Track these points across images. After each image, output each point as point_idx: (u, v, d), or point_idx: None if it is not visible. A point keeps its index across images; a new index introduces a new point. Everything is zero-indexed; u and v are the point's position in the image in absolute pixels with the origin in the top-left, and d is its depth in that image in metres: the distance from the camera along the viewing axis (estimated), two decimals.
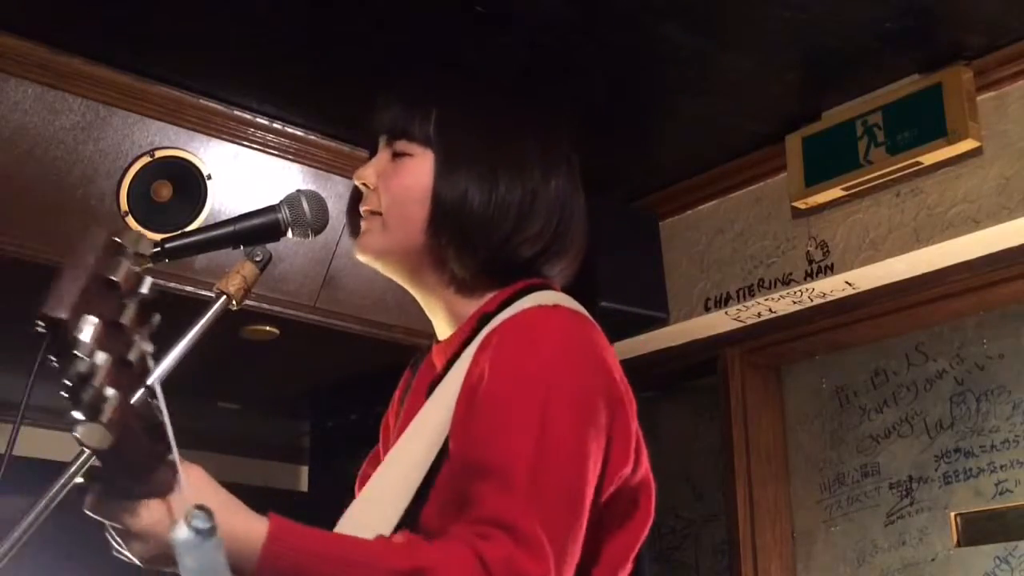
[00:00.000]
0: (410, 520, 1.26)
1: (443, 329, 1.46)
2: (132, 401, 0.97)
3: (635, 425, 1.32)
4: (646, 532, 1.35)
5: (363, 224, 1.45)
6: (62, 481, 1.23)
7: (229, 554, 1.00)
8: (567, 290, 1.44)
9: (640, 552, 1.37)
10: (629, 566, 1.34)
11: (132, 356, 0.96)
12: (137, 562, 1.11)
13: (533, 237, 1.40)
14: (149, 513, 1.05)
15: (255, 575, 1.07)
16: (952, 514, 3.31)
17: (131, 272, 0.97)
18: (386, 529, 1.24)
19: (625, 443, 1.29)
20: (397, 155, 1.43)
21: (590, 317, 1.35)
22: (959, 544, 3.28)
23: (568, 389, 1.24)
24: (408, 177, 1.41)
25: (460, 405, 1.28)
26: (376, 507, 1.29)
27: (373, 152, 1.48)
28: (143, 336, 0.98)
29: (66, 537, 1.25)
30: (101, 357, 0.91)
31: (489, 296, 1.41)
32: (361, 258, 1.46)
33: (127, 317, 0.96)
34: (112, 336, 0.94)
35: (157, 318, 1.00)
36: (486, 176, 1.38)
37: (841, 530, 3.58)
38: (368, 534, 1.20)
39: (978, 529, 3.26)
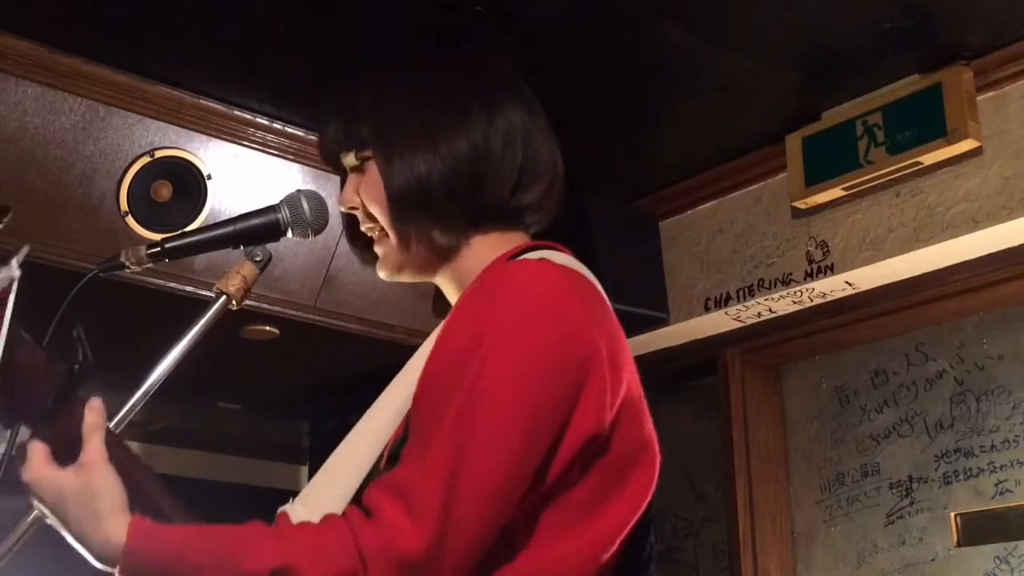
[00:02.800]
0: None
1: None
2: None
3: (625, 386, 1.24)
4: (647, 499, 1.27)
5: (376, 248, 1.42)
6: None
7: (99, 556, 1.15)
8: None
9: (647, 524, 1.29)
10: (626, 531, 1.24)
11: None
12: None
13: (502, 174, 1.35)
14: (38, 466, 1.17)
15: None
16: (952, 514, 3.31)
17: None
18: (345, 494, 1.23)
19: (596, 400, 1.19)
20: (359, 166, 1.40)
21: (585, 274, 1.29)
22: (959, 544, 3.28)
23: (513, 341, 1.17)
24: (370, 181, 1.38)
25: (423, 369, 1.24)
26: (340, 472, 1.28)
27: (345, 178, 1.45)
28: None
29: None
30: None
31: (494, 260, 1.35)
32: (386, 279, 1.42)
33: None
34: None
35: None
36: (425, 141, 1.33)
37: (841, 530, 3.58)
38: (328, 500, 1.20)
39: (978, 529, 3.26)
